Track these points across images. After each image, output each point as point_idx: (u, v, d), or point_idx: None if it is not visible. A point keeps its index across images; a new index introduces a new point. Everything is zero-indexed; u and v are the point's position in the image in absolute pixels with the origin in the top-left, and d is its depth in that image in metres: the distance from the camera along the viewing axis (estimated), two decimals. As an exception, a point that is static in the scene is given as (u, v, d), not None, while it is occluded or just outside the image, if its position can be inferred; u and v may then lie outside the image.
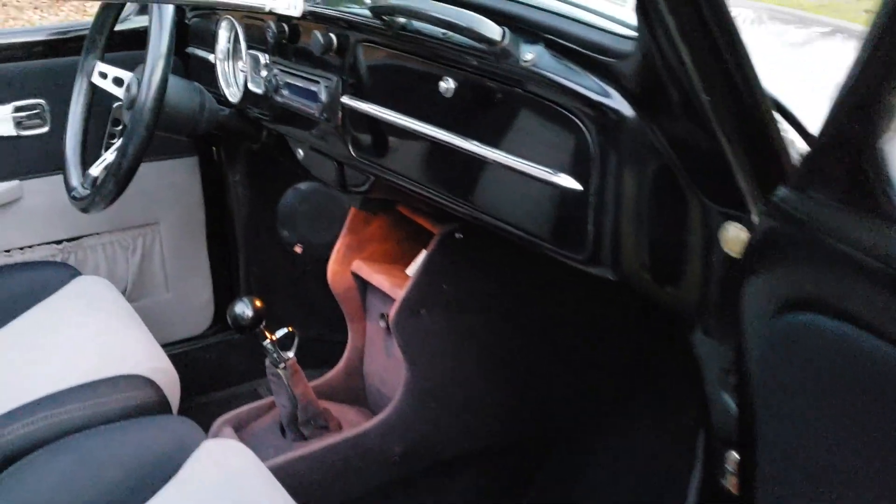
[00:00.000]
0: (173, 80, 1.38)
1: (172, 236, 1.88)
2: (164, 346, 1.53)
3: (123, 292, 1.83)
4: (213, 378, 1.95)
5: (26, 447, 1.15)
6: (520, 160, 0.89)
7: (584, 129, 0.82)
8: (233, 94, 1.47)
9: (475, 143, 0.94)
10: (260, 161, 1.84)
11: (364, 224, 1.48)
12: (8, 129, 1.61)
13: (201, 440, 1.13)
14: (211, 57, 1.51)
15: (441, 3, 0.90)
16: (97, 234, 1.78)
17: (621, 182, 0.80)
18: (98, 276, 1.76)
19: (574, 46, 0.83)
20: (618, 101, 0.79)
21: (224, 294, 1.99)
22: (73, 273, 1.63)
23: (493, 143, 0.92)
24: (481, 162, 0.94)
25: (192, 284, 1.95)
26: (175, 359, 1.43)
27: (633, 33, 0.76)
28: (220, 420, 1.44)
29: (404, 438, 1.39)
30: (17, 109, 1.61)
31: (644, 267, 0.82)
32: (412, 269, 1.32)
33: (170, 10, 1.28)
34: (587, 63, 0.82)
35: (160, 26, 1.25)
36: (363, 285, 1.51)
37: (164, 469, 1.06)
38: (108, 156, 1.40)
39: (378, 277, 1.43)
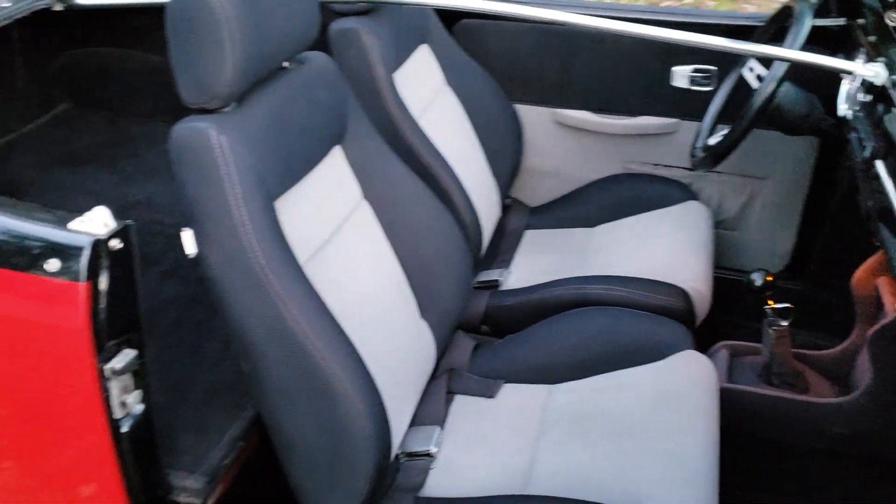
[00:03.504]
0: (792, 90, 1.77)
1: (774, 191, 2.27)
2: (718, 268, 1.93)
3: (720, 222, 2.33)
4: (749, 309, 2.34)
5: (596, 301, 1.85)
6: None
7: None
8: (841, 111, 1.78)
9: None
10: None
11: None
12: (684, 83, 2.21)
13: (687, 349, 1.65)
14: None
15: None
16: (718, 172, 2.30)
17: None
18: (708, 203, 2.31)
19: None
20: None
21: (802, 253, 2.29)
22: (691, 196, 2.23)
23: None
24: None
25: (778, 234, 2.32)
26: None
27: None
28: (722, 343, 1.93)
29: (848, 424, 1.66)
30: (696, 70, 2.19)
31: None
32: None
33: (799, 41, 1.66)
34: None
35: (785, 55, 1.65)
36: (880, 299, 1.75)
37: (653, 353, 1.62)
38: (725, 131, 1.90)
39: (890, 299, 1.67)
